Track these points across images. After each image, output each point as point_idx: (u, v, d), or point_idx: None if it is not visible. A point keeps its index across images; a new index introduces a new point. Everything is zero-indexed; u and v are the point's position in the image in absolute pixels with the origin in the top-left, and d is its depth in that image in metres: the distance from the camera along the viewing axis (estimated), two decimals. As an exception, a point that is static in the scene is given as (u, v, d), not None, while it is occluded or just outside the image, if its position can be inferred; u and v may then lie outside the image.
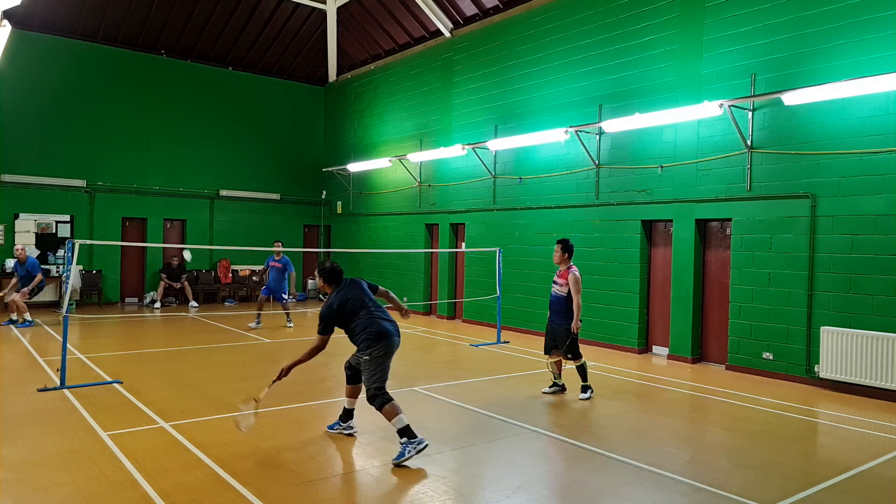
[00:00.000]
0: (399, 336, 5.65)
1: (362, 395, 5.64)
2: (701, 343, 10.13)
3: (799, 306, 8.63)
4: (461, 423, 6.43)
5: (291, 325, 13.06)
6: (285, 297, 13.15)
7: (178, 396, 7.21)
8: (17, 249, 12.66)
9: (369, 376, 5.42)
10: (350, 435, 5.93)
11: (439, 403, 7.22)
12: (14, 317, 12.40)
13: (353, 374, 5.82)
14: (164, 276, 16.42)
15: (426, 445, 5.25)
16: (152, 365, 9.04)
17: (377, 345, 5.44)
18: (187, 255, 15.17)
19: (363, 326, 5.51)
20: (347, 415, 5.97)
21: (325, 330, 5.61)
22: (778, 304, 8.86)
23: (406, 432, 5.24)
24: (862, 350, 7.88)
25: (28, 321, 12.33)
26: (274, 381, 5.76)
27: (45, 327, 12.14)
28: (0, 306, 13.62)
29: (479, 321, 13.89)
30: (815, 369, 8.42)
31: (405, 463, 5.16)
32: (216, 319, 13.85)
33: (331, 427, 6.06)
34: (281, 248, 13.03)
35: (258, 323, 12.94)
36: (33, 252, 15.08)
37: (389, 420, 5.32)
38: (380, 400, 5.35)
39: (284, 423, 6.26)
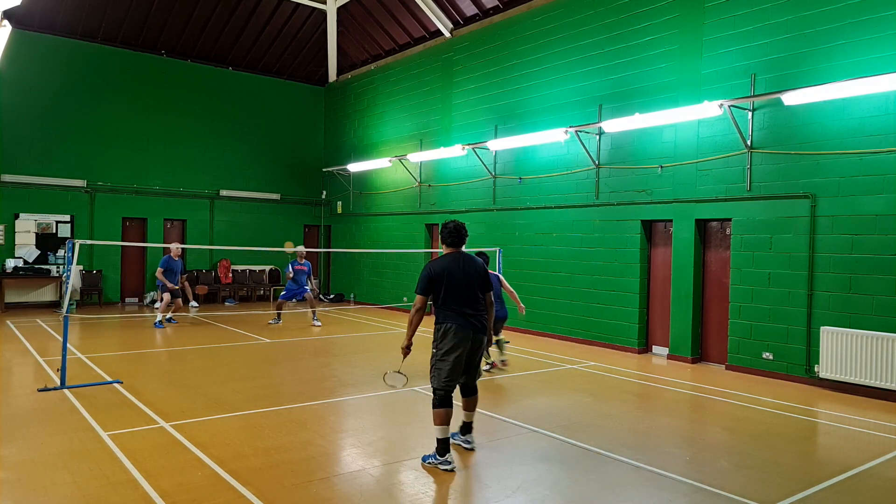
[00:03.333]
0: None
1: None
2: (701, 343, 10.13)
3: (799, 306, 8.63)
4: (461, 424, 6.41)
5: (319, 323, 13.28)
6: (307, 288, 13.48)
7: (178, 396, 7.21)
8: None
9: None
10: (470, 449, 5.57)
11: (439, 403, 7.22)
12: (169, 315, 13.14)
13: (463, 387, 5.52)
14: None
15: (450, 469, 5.04)
16: (152, 365, 9.04)
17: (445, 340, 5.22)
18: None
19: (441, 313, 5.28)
20: (465, 428, 5.62)
21: (423, 290, 5.31)
22: (778, 304, 8.86)
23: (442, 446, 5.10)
24: (862, 350, 7.88)
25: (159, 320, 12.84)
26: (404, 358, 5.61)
27: (45, 327, 12.14)
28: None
29: (479, 321, 13.86)
30: (815, 369, 8.41)
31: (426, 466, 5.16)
32: (216, 319, 13.85)
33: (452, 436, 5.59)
34: (304, 250, 13.60)
35: (278, 320, 13.37)
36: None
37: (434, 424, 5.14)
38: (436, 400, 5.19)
39: (284, 423, 6.26)
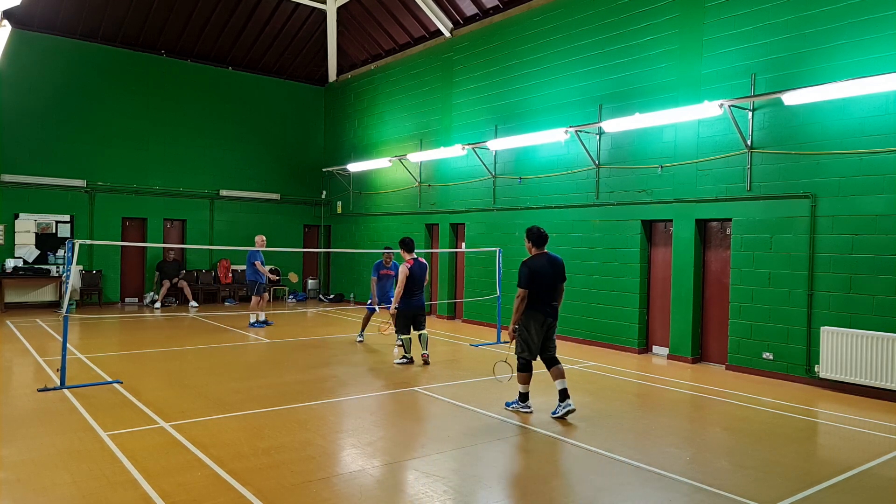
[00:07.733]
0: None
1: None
2: (701, 343, 10.13)
3: (799, 306, 8.63)
4: (461, 423, 6.43)
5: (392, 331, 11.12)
6: (391, 295, 10.70)
7: (178, 396, 7.21)
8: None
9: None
10: (566, 414, 6.54)
11: (439, 403, 7.23)
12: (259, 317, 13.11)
13: (549, 360, 6.82)
14: (158, 272, 16.45)
15: (530, 412, 6.74)
16: (152, 365, 9.04)
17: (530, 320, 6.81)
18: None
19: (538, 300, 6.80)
20: (563, 394, 6.60)
21: (528, 286, 6.77)
22: (778, 304, 8.86)
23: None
24: (862, 350, 7.88)
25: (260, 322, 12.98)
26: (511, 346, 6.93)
27: (45, 327, 12.14)
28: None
29: (479, 321, 13.88)
30: (815, 369, 8.41)
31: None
32: (216, 319, 13.85)
33: (554, 412, 6.63)
34: (392, 252, 11.39)
35: (362, 336, 11.64)
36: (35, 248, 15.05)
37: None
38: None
39: (284, 423, 6.26)
